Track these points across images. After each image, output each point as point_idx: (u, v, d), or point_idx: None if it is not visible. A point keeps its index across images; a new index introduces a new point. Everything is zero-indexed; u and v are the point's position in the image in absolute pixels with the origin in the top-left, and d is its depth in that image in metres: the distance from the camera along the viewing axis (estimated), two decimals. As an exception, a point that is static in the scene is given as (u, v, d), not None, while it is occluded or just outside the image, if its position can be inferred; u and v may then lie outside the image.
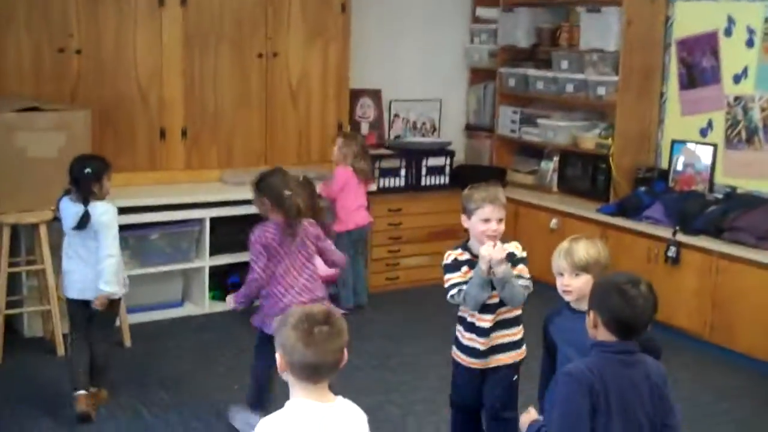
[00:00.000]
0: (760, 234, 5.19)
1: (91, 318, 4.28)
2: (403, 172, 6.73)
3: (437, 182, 6.88)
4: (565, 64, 6.49)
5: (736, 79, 5.82)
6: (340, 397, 2.34)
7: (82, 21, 5.44)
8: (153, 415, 4.40)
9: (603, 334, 2.62)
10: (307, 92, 6.35)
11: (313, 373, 2.25)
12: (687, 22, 6.10)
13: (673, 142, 6.18)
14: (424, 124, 7.31)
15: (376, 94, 7.01)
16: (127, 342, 5.16)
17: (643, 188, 6.15)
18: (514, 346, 3.65)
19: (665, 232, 5.62)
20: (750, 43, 5.72)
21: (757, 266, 5.11)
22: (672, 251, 5.51)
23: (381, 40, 6.83)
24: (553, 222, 6.38)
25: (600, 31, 6.15)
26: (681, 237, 5.51)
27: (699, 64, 6.04)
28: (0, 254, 4.79)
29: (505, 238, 6.35)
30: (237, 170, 6.08)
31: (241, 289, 4.26)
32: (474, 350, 3.60)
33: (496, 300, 3.55)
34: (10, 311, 5.00)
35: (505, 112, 7.12)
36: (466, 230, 3.65)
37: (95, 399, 4.32)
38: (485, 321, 3.57)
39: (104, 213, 4.18)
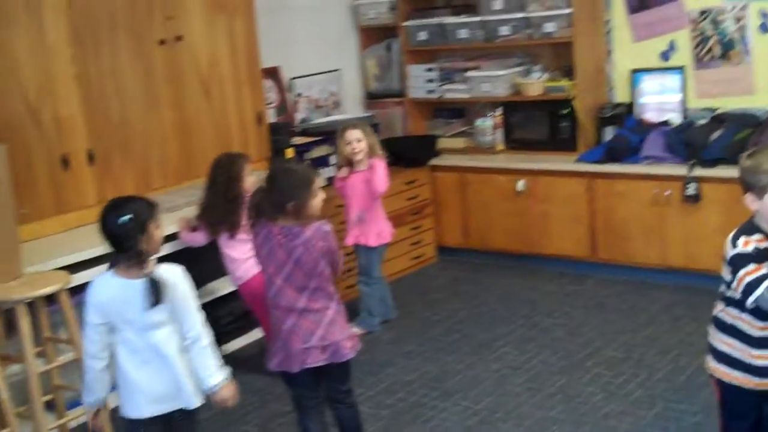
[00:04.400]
0: (793, 152, 4.76)
1: None
2: (332, 159, 5.68)
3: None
4: (498, 5, 5.71)
5: (700, -9, 5.37)
6: None
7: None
8: None
9: None
10: (219, 80, 5.12)
11: None
12: (628, -62, 5.55)
13: (634, 71, 5.64)
14: (326, 100, 6.25)
15: (274, 74, 5.86)
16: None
17: (611, 127, 5.58)
18: None
19: (673, 170, 5.08)
20: (711, -49, 5.27)
21: (799, 187, 4.68)
22: (692, 188, 4.98)
23: (265, 7, 5.52)
24: (520, 184, 5.64)
25: (542, -39, 5.45)
26: (698, 171, 4.99)
27: (649, -18, 5.52)
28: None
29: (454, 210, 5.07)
30: (157, 194, 4.77)
31: None
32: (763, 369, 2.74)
33: None
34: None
35: (416, 72, 6.24)
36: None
37: None
38: None
39: (179, 277, 2.91)
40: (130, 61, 4.65)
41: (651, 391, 3.96)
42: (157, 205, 2.94)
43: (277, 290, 3.22)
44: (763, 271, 2.61)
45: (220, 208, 4.27)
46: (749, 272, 2.62)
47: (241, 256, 4.33)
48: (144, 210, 2.87)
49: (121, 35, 4.60)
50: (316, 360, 3.23)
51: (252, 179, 4.32)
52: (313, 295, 3.21)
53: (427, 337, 4.83)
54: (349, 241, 4.89)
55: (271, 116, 5.75)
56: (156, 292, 2.80)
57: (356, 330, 4.90)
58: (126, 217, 2.82)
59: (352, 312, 4.83)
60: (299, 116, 6.04)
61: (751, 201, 2.67)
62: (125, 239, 2.81)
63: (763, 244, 2.66)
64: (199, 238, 4.41)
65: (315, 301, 3.22)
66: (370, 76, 6.49)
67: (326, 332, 3.22)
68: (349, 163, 4.82)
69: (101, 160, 4.56)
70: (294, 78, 5.97)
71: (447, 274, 5.83)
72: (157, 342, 2.88)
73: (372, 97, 6.51)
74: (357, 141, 4.76)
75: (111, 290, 2.86)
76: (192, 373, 2.93)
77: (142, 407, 2.92)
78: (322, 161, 5.59)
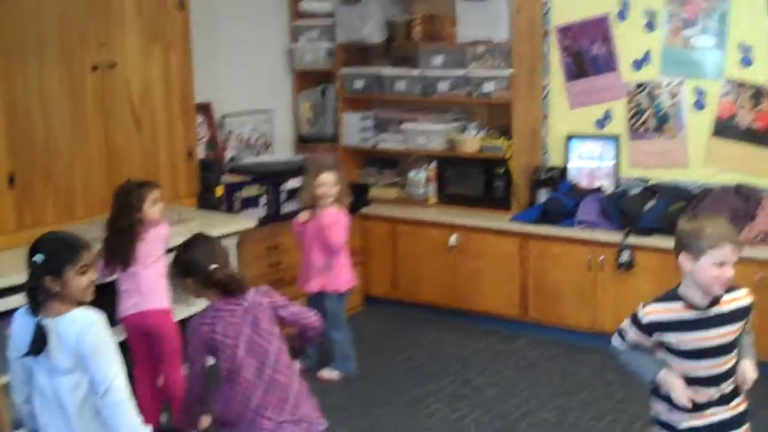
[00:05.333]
0: (725, 225, 4.84)
1: None
2: (263, 200, 5.52)
3: (296, 208, 5.72)
4: (438, 60, 5.69)
5: (637, 65, 5.45)
6: None
7: None
8: None
9: None
10: (150, 111, 4.91)
11: None
12: (567, 8, 5.61)
13: (569, 137, 5.68)
14: (258, 140, 6.09)
15: (206, 109, 5.66)
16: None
17: (544, 190, 5.59)
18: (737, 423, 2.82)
19: (607, 236, 5.10)
20: (650, 27, 5.36)
21: (730, 260, 4.74)
22: (625, 256, 4.99)
23: (201, 42, 5.35)
24: (453, 238, 5.57)
25: (486, 21, 5.44)
26: (632, 239, 5.02)
27: (589, 51, 5.58)
28: None
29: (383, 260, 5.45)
30: (80, 224, 4.51)
31: (181, 407, 3.25)
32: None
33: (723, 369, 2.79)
34: None
35: (350, 119, 6.15)
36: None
37: None
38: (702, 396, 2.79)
39: (89, 324, 2.63)
40: (60, 84, 4.41)
41: (588, 457, 3.89)
42: (83, 249, 2.70)
43: (241, 362, 3.01)
44: (632, 338, 2.84)
45: (113, 239, 3.93)
46: (624, 328, 2.88)
47: (132, 287, 3.97)
48: (63, 253, 2.65)
49: (53, 57, 4.37)
50: None
51: (157, 209, 3.98)
52: (276, 365, 3.03)
53: (354, 389, 4.66)
54: (314, 287, 4.68)
55: (200, 153, 5.55)
56: (37, 341, 2.59)
57: (332, 375, 4.71)
58: (37, 257, 2.63)
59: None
60: (228, 154, 5.85)
61: (685, 261, 2.73)
62: (31, 278, 2.64)
63: (674, 315, 2.74)
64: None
65: (279, 372, 3.03)
66: (303, 119, 6.36)
67: (296, 405, 3.04)
68: (314, 204, 4.64)
69: (22, 184, 4.28)
70: (225, 116, 5.79)
71: (374, 324, 5.67)
72: (60, 390, 2.65)
73: (304, 141, 6.37)
74: (331, 185, 4.61)
75: (20, 326, 2.68)
76: None
77: None
78: (252, 201, 5.43)
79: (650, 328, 2.78)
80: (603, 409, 4.36)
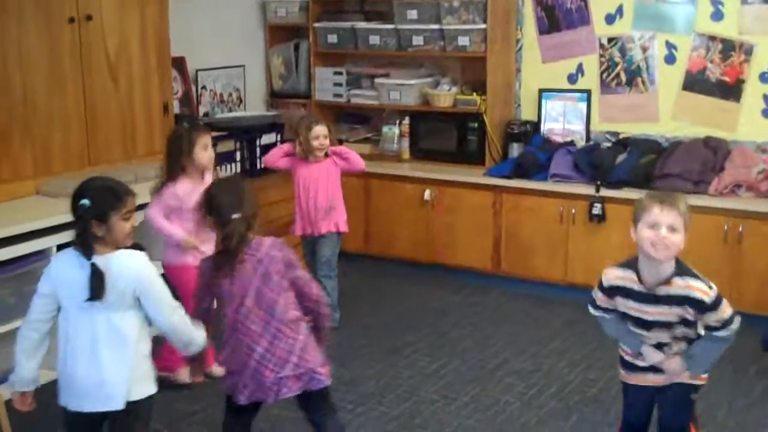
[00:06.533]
0: (695, 178, 4.97)
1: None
2: (238, 155, 5.53)
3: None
4: (413, 14, 5.70)
5: (610, 19, 5.52)
6: None
7: None
8: None
9: None
10: (127, 64, 4.89)
11: None
12: (543, -41, 5.66)
13: (541, 91, 5.74)
14: (230, 95, 6.07)
15: (180, 63, 5.63)
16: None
17: (517, 144, 5.67)
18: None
19: (579, 189, 5.20)
20: (623, -20, 5.44)
21: (699, 212, 4.85)
22: (597, 208, 5.10)
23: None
24: (428, 193, 5.63)
25: (461, -26, 5.48)
26: (604, 191, 5.12)
27: (562, 5, 5.64)
28: None
29: (356, 216, 5.22)
30: (58, 179, 4.51)
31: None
32: (635, 366, 3.03)
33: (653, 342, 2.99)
34: None
35: (323, 75, 6.16)
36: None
37: None
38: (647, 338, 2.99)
39: (141, 265, 2.75)
40: (37, 36, 4.39)
41: (565, 402, 4.01)
42: (127, 196, 2.76)
43: (247, 312, 3.00)
44: (602, 302, 2.99)
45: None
46: (598, 299, 3.01)
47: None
48: (108, 199, 2.71)
49: (30, 8, 4.32)
50: (291, 390, 3.03)
51: (207, 155, 3.99)
52: (284, 315, 3.02)
53: (333, 341, 4.70)
54: (323, 229, 4.81)
55: (175, 108, 5.53)
56: (97, 284, 2.65)
57: None
58: (83, 201, 2.68)
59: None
60: (202, 109, 5.84)
61: (632, 232, 2.86)
62: (77, 221, 2.69)
63: (627, 283, 2.88)
64: None
65: (286, 325, 3.02)
66: (275, 75, 6.35)
67: (300, 359, 3.02)
68: (306, 158, 4.76)
69: (0, 135, 4.26)
70: (199, 70, 5.77)
71: (348, 279, 5.71)
72: (102, 326, 2.70)
73: (276, 96, 6.37)
74: (324, 137, 4.71)
75: (67, 269, 2.73)
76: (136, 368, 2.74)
77: (64, 397, 2.77)
78: (228, 157, 5.44)
79: (611, 291, 2.94)
80: (576, 358, 4.48)
